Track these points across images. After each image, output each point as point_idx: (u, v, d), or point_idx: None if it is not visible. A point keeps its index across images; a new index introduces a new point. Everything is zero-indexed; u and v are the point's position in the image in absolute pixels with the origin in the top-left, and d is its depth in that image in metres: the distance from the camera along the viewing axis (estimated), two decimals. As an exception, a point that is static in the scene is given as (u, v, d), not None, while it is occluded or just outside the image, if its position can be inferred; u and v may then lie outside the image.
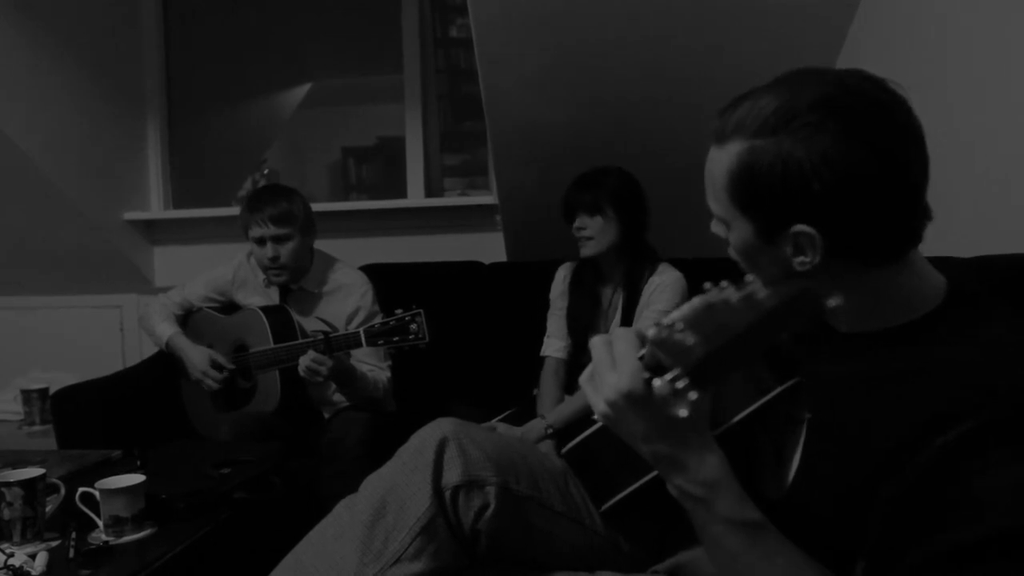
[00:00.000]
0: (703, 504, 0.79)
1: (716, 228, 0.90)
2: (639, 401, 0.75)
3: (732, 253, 0.89)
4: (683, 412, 0.69)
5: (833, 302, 0.70)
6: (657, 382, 0.69)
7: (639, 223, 2.02)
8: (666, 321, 0.70)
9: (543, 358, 2.14)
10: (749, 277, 0.73)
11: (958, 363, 0.74)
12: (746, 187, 0.80)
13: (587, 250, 2.01)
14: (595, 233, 1.98)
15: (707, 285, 0.74)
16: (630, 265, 2.04)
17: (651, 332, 0.71)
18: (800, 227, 0.78)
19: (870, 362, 0.81)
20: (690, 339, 0.66)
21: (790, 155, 0.75)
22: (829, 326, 0.87)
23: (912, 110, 0.77)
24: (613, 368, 0.77)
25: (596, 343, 0.79)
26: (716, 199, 0.85)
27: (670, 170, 2.39)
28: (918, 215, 0.79)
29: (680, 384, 0.66)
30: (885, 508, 0.73)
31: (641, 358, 0.75)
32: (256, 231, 2.11)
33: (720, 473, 0.78)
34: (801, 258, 0.80)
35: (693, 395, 0.66)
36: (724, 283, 0.73)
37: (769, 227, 0.80)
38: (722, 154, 0.82)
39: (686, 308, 0.71)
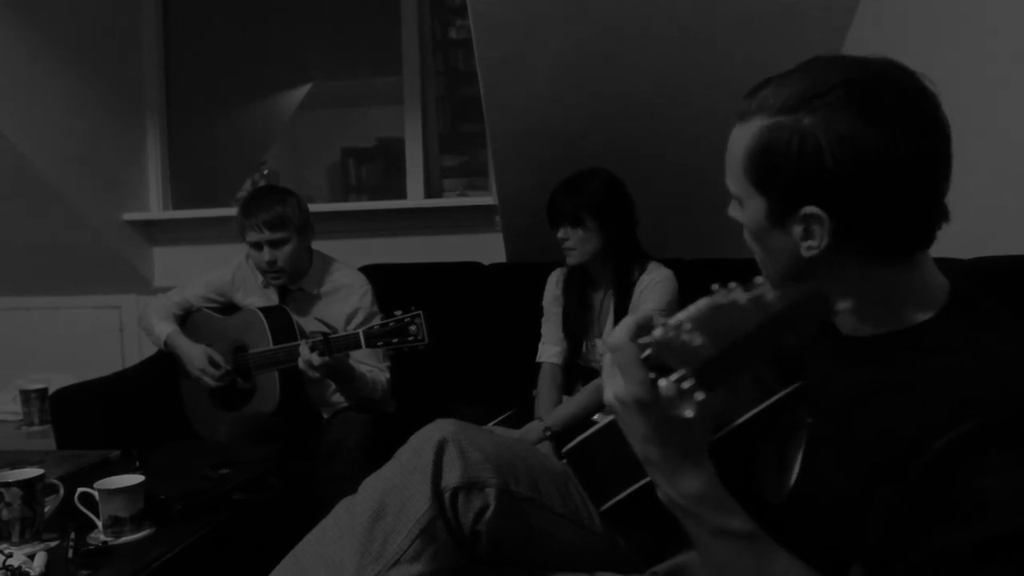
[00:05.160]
0: (690, 515, 0.78)
1: (733, 211, 0.89)
2: (645, 405, 0.74)
3: (746, 238, 0.88)
4: (689, 412, 0.68)
5: (843, 306, 0.69)
6: (663, 382, 0.68)
7: (623, 228, 2.02)
8: (672, 321, 0.69)
9: (539, 364, 2.15)
10: (759, 279, 0.73)
11: (955, 371, 0.73)
12: (763, 163, 0.79)
13: (571, 259, 2.03)
14: (576, 244, 2.00)
15: (715, 286, 0.73)
16: (617, 267, 2.04)
17: (657, 333, 0.70)
18: (810, 208, 0.77)
19: (872, 369, 0.80)
20: (697, 339, 0.65)
21: (808, 132, 0.75)
22: (833, 327, 0.87)
23: (940, 106, 0.76)
24: (618, 374, 0.76)
25: (605, 347, 0.78)
26: (733, 176, 0.84)
27: (670, 171, 2.39)
28: (935, 213, 0.78)
29: (686, 384, 0.65)
30: (883, 511, 0.73)
31: (646, 359, 0.74)
32: (252, 236, 2.11)
33: (705, 488, 0.77)
34: (809, 242, 0.79)
35: (700, 395, 0.65)
36: (732, 284, 0.72)
37: (781, 206, 0.79)
38: (743, 130, 0.81)
39: (693, 309, 0.70)
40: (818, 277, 0.82)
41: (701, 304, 0.70)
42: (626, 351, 0.76)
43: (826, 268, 0.80)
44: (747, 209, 0.84)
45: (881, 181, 0.74)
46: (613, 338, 0.77)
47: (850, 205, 0.76)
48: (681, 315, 0.69)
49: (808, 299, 0.67)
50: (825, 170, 0.74)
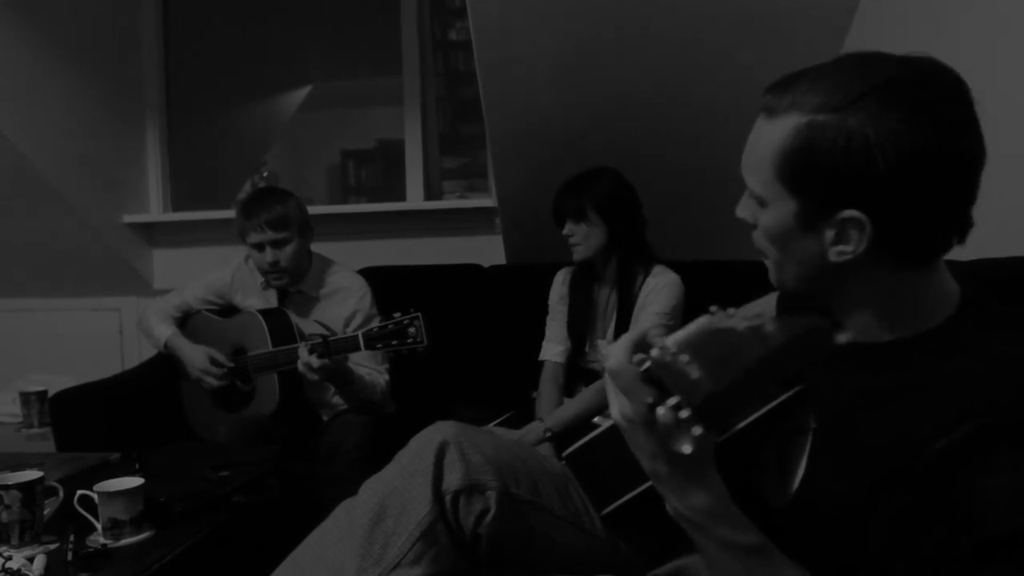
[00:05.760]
0: (699, 528, 0.77)
1: (743, 211, 0.86)
2: (645, 425, 0.73)
3: (759, 239, 0.85)
4: (687, 449, 0.65)
5: (843, 338, 0.68)
6: (660, 411, 0.66)
7: (628, 225, 2.02)
8: (670, 344, 0.67)
9: (542, 362, 2.15)
10: (756, 308, 0.71)
11: (963, 376, 0.73)
12: (801, 163, 0.75)
13: (576, 255, 2.04)
14: (581, 239, 2.00)
15: (713, 308, 0.72)
16: (621, 265, 2.04)
17: (655, 354, 0.68)
18: (851, 212, 0.74)
19: (880, 375, 0.79)
20: (695, 372, 0.64)
21: (856, 131, 0.72)
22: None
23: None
24: (622, 395, 0.75)
25: (608, 361, 0.76)
26: (758, 174, 0.80)
27: (670, 171, 2.39)
28: (969, 212, 0.76)
29: (684, 414, 0.64)
30: (886, 514, 0.73)
31: (647, 371, 0.72)
32: (254, 237, 2.11)
33: (715, 502, 0.76)
34: (842, 247, 0.76)
35: (698, 430, 0.64)
36: (731, 310, 0.70)
37: (816, 209, 0.76)
38: (774, 127, 0.77)
39: (693, 328, 0.68)
40: (839, 282, 0.80)
41: (702, 324, 0.68)
42: (625, 374, 0.73)
43: (851, 273, 0.78)
44: (773, 211, 0.80)
45: (928, 179, 0.72)
46: (611, 361, 0.75)
47: (894, 208, 0.73)
48: (680, 336, 0.67)
49: (809, 331, 0.66)
50: (873, 168, 0.72)
